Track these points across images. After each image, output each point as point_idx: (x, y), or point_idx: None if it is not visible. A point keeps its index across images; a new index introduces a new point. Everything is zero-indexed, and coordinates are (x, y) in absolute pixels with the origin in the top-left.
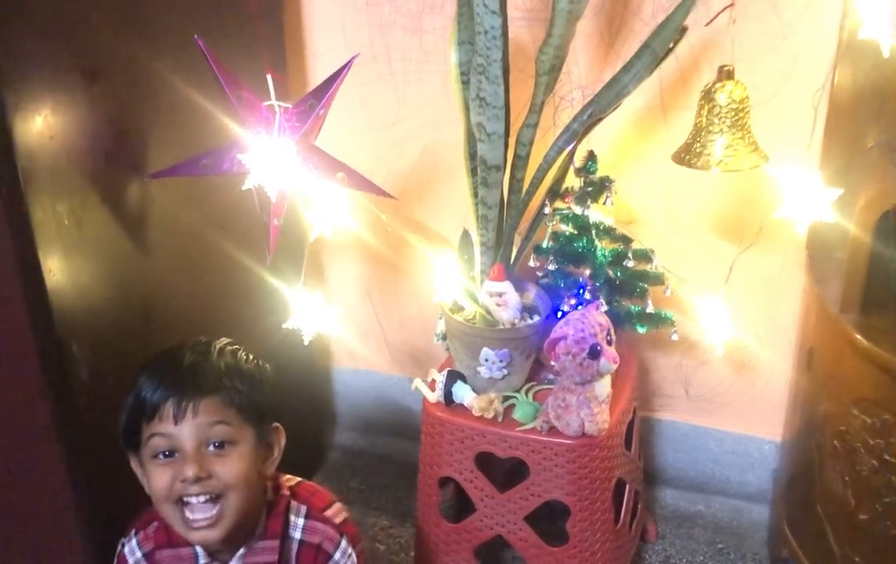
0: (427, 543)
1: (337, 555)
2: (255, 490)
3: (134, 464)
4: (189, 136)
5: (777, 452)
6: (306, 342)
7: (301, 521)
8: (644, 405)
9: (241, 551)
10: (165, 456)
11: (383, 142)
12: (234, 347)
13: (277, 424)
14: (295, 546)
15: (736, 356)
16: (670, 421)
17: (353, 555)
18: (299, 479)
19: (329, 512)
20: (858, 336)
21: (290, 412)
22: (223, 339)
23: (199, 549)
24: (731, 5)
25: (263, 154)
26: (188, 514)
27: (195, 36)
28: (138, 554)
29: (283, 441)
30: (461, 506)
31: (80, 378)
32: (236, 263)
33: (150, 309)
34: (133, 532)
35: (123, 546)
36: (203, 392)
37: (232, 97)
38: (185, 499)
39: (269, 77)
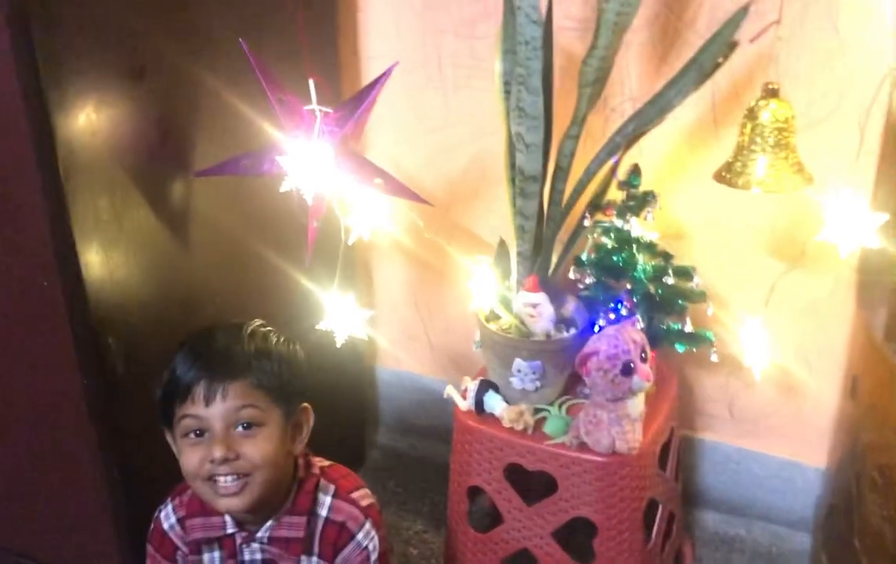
0: (455, 551)
1: (360, 535)
2: (283, 468)
3: (169, 438)
4: (231, 137)
5: (821, 479)
6: (339, 345)
7: (328, 499)
8: (686, 424)
9: (270, 523)
10: (196, 435)
11: (432, 147)
12: (266, 329)
13: (306, 404)
14: (320, 523)
15: (783, 380)
16: (713, 442)
17: (376, 538)
18: (332, 462)
19: (356, 494)
20: None
21: (332, 410)
22: (256, 321)
23: (227, 518)
24: (777, 22)
25: (302, 157)
26: (218, 486)
27: (239, 39)
28: (172, 519)
29: (311, 421)
30: (491, 519)
31: (115, 372)
32: (276, 264)
33: (188, 306)
34: (169, 499)
35: (160, 511)
36: (232, 376)
37: (273, 100)
38: (214, 477)
39: (311, 82)
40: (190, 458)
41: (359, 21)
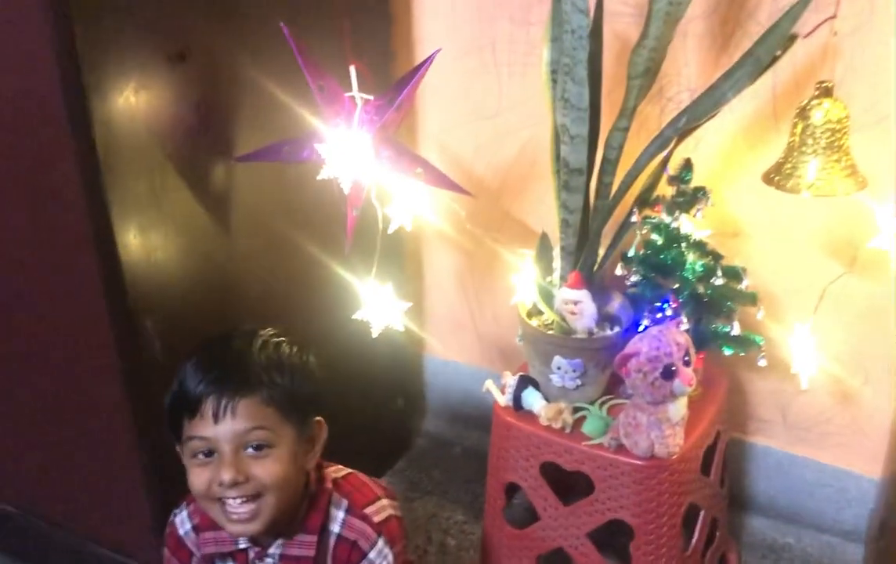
0: (491, 545)
1: (372, 554)
2: (295, 486)
3: (179, 450)
4: (271, 122)
5: (875, 490)
6: (374, 335)
7: (341, 515)
8: (737, 427)
9: (280, 541)
10: (204, 456)
11: (484, 134)
12: (278, 339)
13: (320, 418)
14: (332, 539)
15: (838, 387)
16: (764, 447)
17: (390, 556)
18: (348, 471)
19: (370, 509)
20: None
21: (379, 397)
22: (268, 329)
23: None
24: (833, 17)
25: (340, 145)
26: (228, 510)
27: (280, 23)
28: (188, 526)
29: (324, 436)
30: (528, 516)
31: (152, 354)
32: (315, 252)
33: (226, 291)
34: (185, 503)
35: (175, 515)
36: (242, 393)
37: (313, 86)
38: (224, 499)
39: (351, 68)
40: (198, 479)
41: (413, 4)
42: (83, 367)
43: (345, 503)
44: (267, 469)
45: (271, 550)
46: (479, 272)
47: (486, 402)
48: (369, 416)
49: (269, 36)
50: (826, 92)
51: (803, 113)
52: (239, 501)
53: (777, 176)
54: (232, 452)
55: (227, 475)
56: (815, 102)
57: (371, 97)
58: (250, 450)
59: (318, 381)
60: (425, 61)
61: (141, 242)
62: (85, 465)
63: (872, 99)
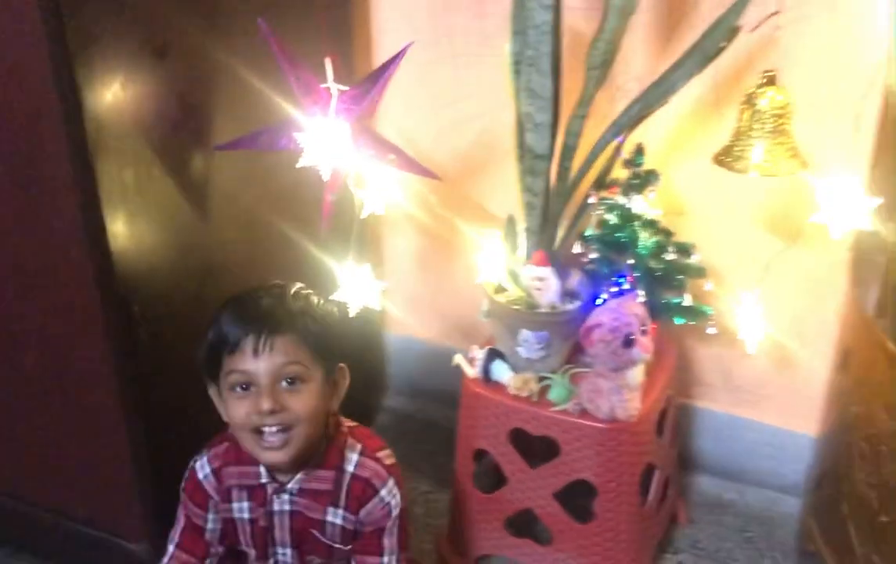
0: (461, 510)
1: (383, 492)
2: (320, 424)
3: (212, 392)
4: (249, 113)
5: (812, 447)
6: (352, 314)
7: (355, 457)
8: (684, 392)
9: (300, 475)
10: (243, 389)
11: (442, 121)
12: (308, 291)
13: (343, 365)
14: (347, 478)
15: (776, 352)
16: (709, 410)
17: (398, 495)
18: (356, 423)
19: (381, 454)
20: (890, 343)
21: None
22: (298, 283)
23: (262, 469)
24: (776, 13)
25: (318, 134)
26: (263, 438)
27: (259, 19)
28: (207, 470)
29: (347, 381)
30: (495, 481)
31: (140, 337)
32: (291, 236)
33: (207, 275)
34: (205, 450)
35: (195, 461)
36: (279, 330)
37: (291, 78)
38: (260, 429)
39: (327, 61)
40: (237, 410)
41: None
42: (73, 353)
43: (359, 446)
44: (300, 401)
45: (290, 485)
46: (438, 253)
47: (447, 377)
48: None
49: (247, 30)
50: (771, 80)
51: (750, 100)
52: (275, 429)
53: (727, 158)
54: (269, 384)
55: (266, 404)
56: (760, 89)
57: (346, 88)
58: (285, 384)
59: (342, 330)
60: (398, 54)
61: (129, 230)
62: (74, 449)
63: (806, 86)
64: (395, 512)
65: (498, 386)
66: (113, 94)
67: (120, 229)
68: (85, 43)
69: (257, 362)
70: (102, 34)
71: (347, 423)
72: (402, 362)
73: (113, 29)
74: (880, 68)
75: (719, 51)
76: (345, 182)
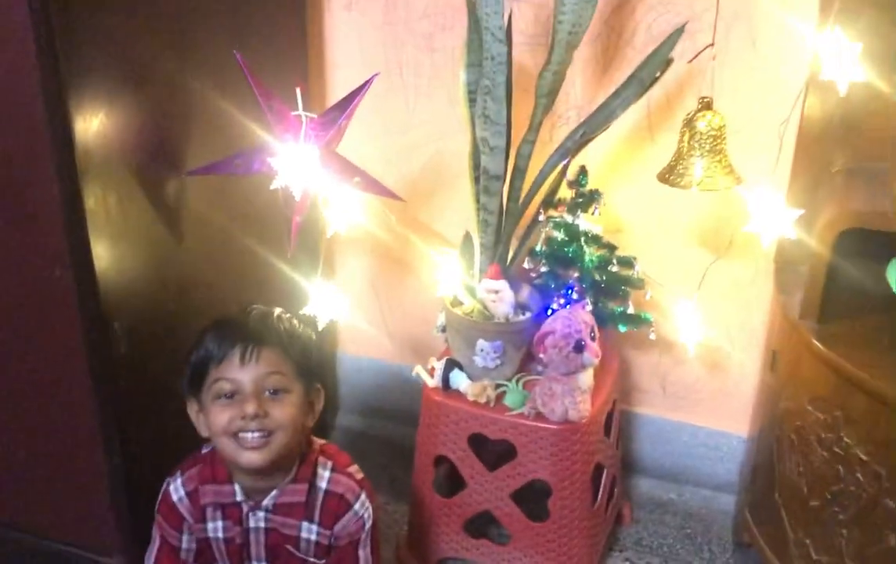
0: (421, 516)
1: (357, 505)
2: (297, 437)
3: (191, 409)
4: (224, 140)
5: (744, 446)
6: (320, 328)
7: (327, 474)
8: (624, 399)
9: (275, 492)
10: (228, 397)
11: (394, 148)
12: (289, 314)
13: (319, 386)
14: (321, 495)
15: (709, 357)
16: (648, 415)
17: (370, 508)
18: (324, 441)
19: (351, 469)
20: (815, 341)
21: None
22: (278, 308)
23: (237, 487)
24: (711, 45)
25: (290, 158)
26: (242, 440)
27: (235, 52)
28: (182, 492)
29: (322, 401)
30: (451, 486)
31: (119, 353)
32: (260, 255)
33: (182, 293)
34: (179, 472)
35: (169, 484)
36: (265, 343)
37: (264, 106)
38: (241, 435)
39: (297, 90)
40: (220, 416)
41: (325, 33)
42: (55, 369)
43: (330, 463)
44: (282, 410)
45: (265, 502)
46: (389, 273)
47: (398, 393)
48: None
49: (219, 59)
50: (707, 105)
51: (689, 123)
52: (257, 435)
53: (670, 176)
54: (254, 392)
55: (250, 408)
56: (699, 113)
57: (315, 115)
58: (268, 393)
59: (319, 354)
60: (365, 84)
61: (111, 251)
62: (51, 466)
63: (733, 111)
64: (368, 524)
65: (457, 394)
66: (99, 122)
67: (103, 251)
68: (76, 76)
69: (243, 370)
70: (91, 67)
71: (319, 441)
72: (353, 381)
73: (100, 63)
74: (799, 94)
75: (654, 80)
76: (312, 204)
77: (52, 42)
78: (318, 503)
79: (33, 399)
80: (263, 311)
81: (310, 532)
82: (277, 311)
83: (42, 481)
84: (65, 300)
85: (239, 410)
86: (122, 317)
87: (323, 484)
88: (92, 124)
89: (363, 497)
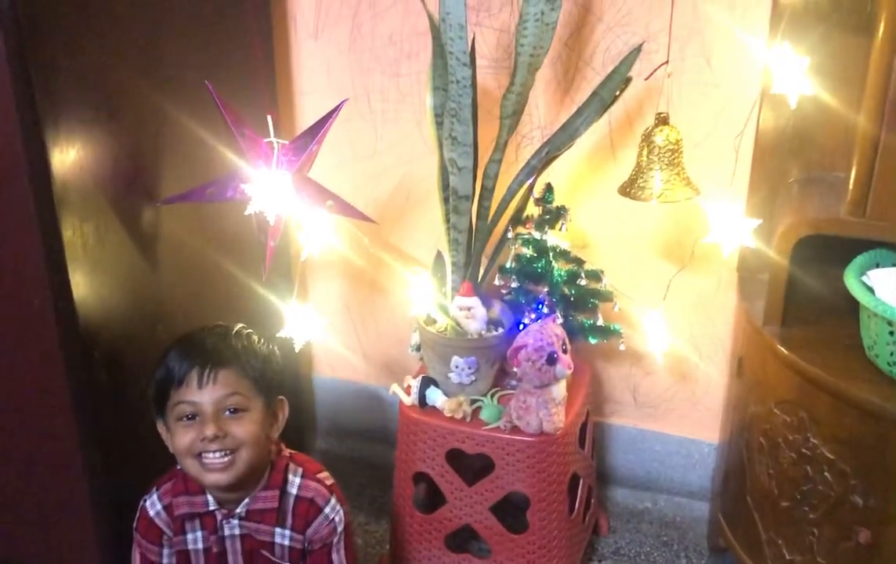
0: (402, 533)
1: (327, 509)
2: (262, 450)
3: (160, 428)
4: (197, 167)
5: (716, 453)
6: (297, 349)
7: (298, 480)
8: (596, 410)
9: (246, 500)
10: (188, 419)
11: (363, 173)
12: (248, 331)
13: (282, 397)
14: (292, 501)
15: (678, 367)
16: (620, 426)
17: (341, 512)
18: (295, 451)
19: (321, 475)
20: (779, 346)
21: None
22: (239, 324)
23: (209, 497)
24: (666, 62)
25: (263, 184)
26: (206, 462)
27: (206, 82)
28: (158, 506)
29: (286, 411)
30: (431, 503)
31: (100, 380)
32: (235, 279)
33: (158, 319)
34: (154, 488)
35: (145, 501)
36: (222, 364)
37: (236, 134)
38: (204, 455)
39: (269, 117)
40: (182, 438)
41: (293, 61)
42: (36, 398)
43: (300, 470)
44: (242, 427)
45: (238, 510)
46: (362, 295)
47: (374, 414)
48: None
49: (193, 92)
50: (664, 120)
51: (647, 137)
52: (218, 455)
53: (631, 189)
54: (213, 413)
55: (209, 431)
56: (656, 128)
57: (286, 142)
58: (228, 413)
59: (281, 366)
60: (334, 109)
61: (89, 280)
62: (33, 491)
63: (689, 126)
64: (340, 528)
65: (433, 411)
66: (75, 153)
67: (81, 279)
68: (52, 109)
69: (202, 393)
70: (66, 100)
71: (289, 450)
72: (329, 403)
73: (74, 95)
74: (753, 107)
75: (615, 99)
76: (285, 228)
77: (27, 76)
78: (290, 508)
79: (14, 428)
80: (221, 331)
81: (283, 537)
82: (237, 328)
83: (24, 508)
84: (45, 331)
85: (199, 431)
86: (102, 345)
87: (294, 490)
88: (68, 156)
89: (333, 500)
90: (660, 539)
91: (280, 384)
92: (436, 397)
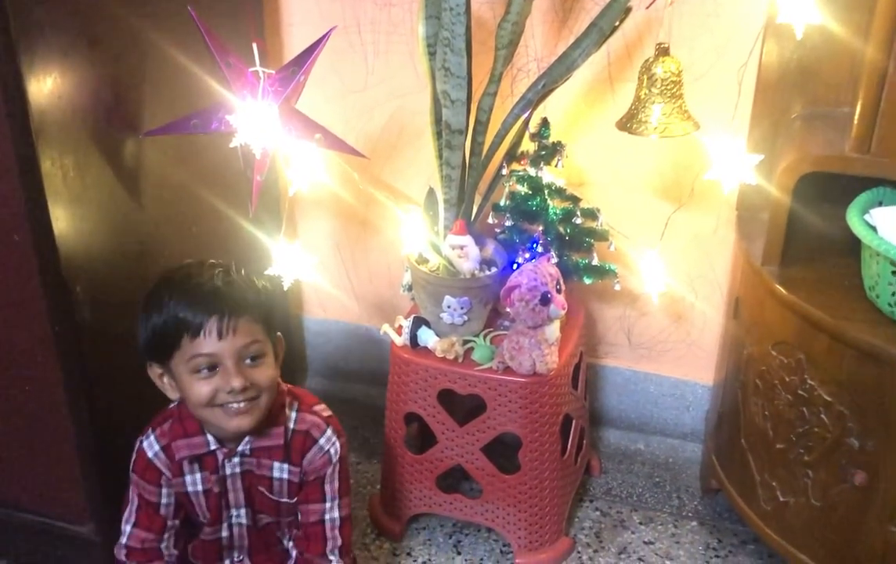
0: (393, 473)
1: (322, 440)
2: (275, 390)
3: (152, 372)
4: (181, 98)
5: (710, 395)
6: (286, 288)
7: (294, 414)
8: (590, 352)
9: (247, 439)
10: (208, 371)
11: (354, 107)
12: (244, 269)
13: (280, 334)
14: (289, 435)
15: (673, 308)
16: (614, 367)
17: (337, 443)
18: (293, 385)
19: (317, 408)
20: (778, 286)
21: None
22: (233, 262)
23: (209, 437)
24: None
25: (249, 116)
26: (229, 409)
27: (189, 7)
28: (157, 447)
29: (284, 346)
30: (422, 443)
31: (82, 318)
32: (221, 215)
33: (143, 256)
34: (150, 429)
35: (142, 442)
36: (239, 312)
37: (221, 63)
38: (227, 405)
39: (254, 45)
40: (201, 390)
41: None
42: (18, 336)
43: (296, 403)
44: (263, 373)
45: (240, 448)
46: (352, 235)
47: (366, 355)
48: None
49: (176, 18)
50: (664, 51)
51: (647, 69)
52: (243, 405)
53: (629, 123)
54: (235, 364)
55: (237, 383)
56: (656, 60)
57: (272, 71)
58: (248, 361)
59: (277, 302)
60: (322, 38)
61: (70, 214)
62: (20, 438)
63: (691, 59)
64: (335, 459)
65: (425, 351)
66: (53, 82)
67: (61, 214)
68: (27, 35)
69: (222, 343)
70: (43, 26)
71: (286, 384)
72: (320, 344)
73: (52, 21)
74: (756, 39)
75: (614, 29)
76: (272, 162)
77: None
78: (287, 441)
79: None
80: (223, 272)
81: (281, 471)
82: (233, 266)
83: (10, 452)
84: (25, 267)
85: (222, 382)
86: (84, 282)
87: (290, 424)
88: (45, 84)
89: (329, 432)
90: (652, 479)
91: (279, 320)
92: (427, 337)
